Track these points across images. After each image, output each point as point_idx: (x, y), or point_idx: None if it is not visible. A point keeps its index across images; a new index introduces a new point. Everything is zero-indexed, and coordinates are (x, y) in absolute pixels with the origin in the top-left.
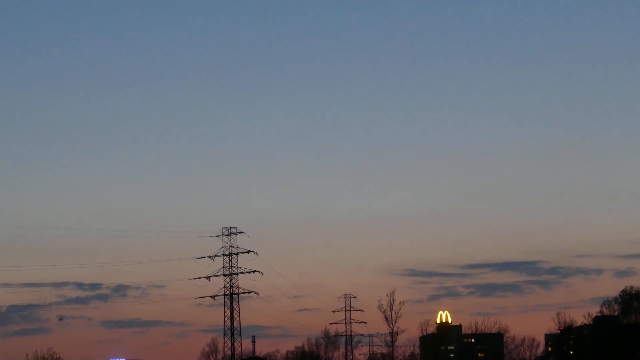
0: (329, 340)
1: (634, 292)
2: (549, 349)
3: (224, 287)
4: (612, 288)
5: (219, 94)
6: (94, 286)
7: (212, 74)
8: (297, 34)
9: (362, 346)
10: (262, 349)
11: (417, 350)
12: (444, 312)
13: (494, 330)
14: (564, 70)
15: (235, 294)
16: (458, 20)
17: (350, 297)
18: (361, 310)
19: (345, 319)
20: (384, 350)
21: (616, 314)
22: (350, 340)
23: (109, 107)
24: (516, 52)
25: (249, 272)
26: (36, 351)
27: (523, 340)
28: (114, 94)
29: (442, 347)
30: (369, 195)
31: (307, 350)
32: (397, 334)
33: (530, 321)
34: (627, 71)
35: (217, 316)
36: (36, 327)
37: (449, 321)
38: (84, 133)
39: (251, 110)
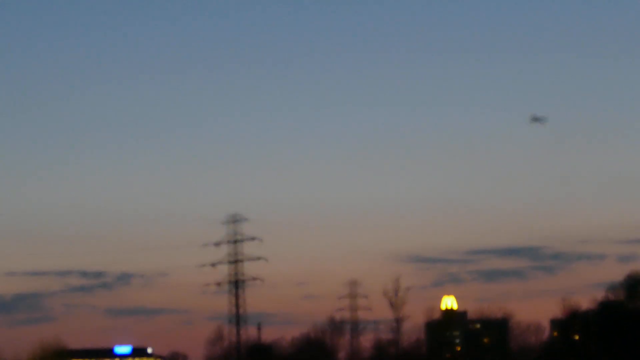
0: (334, 326)
1: (639, 276)
2: (555, 334)
3: (229, 274)
4: (616, 273)
5: (225, 82)
6: (98, 274)
7: (222, 64)
8: (296, 26)
9: (367, 332)
10: (267, 336)
11: (423, 336)
12: (449, 297)
13: (498, 316)
14: (565, 57)
15: (240, 281)
16: (460, 10)
17: (355, 284)
18: (366, 296)
19: (351, 305)
20: (390, 336)
21: (622, 298)
22: (356, 327)
23: (115, 96)
24: (517, 40)
25: (254, 259)
26: (42, 340)
27: (528, 326)
28: (118, 85)
29: (448, 333)
30: (373, 182)
31: (312, 337)
32: (403, 320)
33: (534, 307)
34: (629, 56)
35: (222, 304)
36: (41, 315)
37: (454, 307)
38: (88, 121)
39: (257, 98)
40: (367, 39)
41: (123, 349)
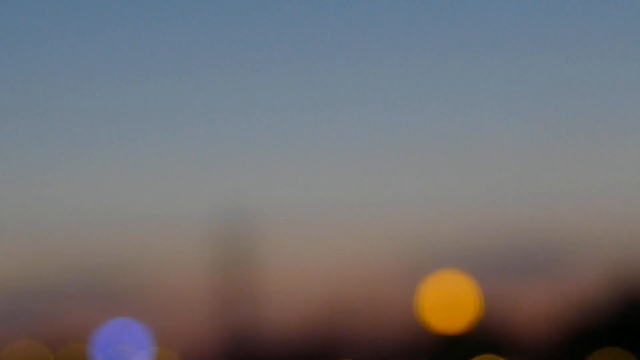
0: (335, 326)
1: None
2: (555, 335)
3: (232, 273)
4: (615, 275)
5: (226, 80)
6: (98, 274)
7: (228, 60)
8: (296, 25)
9: (367, 333)
10: (267, 335)
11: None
12: (450, 296)
13: (499, 316)
14: (558, 55)
15: (240, 280)
16: (459, 10)
17: (355, 284)
18: (366, 296)
19: (350, 305)
20: (389, 336)
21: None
22: (355, 327)
23: (113, 95)
24: (509, 40)
25: (254, 259)
26: (40, 339)
27: (529, 326)
28: (113, 86)
29: (453, 332)
30: (373, 181)
31: (313, 336)
32: (403, 320)
33: (534, 307)
34: (622, 56)
35: (222, 304)
36: (42, 314)
37: (456, 305)
38: (86, 120)
39: (256, 97)
40: (380, 37)
41: (123, 347)
